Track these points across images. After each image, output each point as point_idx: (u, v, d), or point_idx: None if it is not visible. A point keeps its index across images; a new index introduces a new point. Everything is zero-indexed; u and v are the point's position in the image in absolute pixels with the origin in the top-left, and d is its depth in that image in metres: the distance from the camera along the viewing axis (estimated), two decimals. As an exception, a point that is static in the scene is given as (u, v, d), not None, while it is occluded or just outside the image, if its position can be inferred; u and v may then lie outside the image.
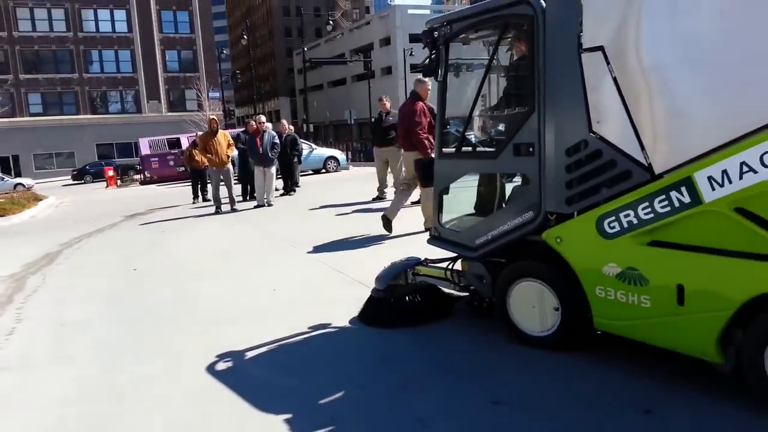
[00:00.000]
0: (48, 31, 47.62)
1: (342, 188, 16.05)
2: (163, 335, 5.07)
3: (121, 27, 49.92)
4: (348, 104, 48.68)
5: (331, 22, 52.43)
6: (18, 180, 38.75)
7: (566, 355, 3.80)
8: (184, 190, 17.97)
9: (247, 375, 4.07)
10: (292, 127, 15.32)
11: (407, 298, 4.73)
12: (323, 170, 23.24)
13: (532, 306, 3.88)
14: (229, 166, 12.87)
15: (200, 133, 16.84)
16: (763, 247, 2.75)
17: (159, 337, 5.04)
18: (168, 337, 5.02)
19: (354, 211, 11.11)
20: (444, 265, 4.71)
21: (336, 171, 23.40)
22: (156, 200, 17.83)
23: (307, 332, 4.80)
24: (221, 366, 4.26)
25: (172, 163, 27.38)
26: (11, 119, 44.97)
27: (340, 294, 5.68)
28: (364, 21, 63.77)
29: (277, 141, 13.13)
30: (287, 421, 3.35)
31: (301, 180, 15.53)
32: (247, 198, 14.60)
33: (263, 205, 12.79)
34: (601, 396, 3.31)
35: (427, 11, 59.29)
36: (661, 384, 3.35)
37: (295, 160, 14.85)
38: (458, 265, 4.64)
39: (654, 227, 3.15)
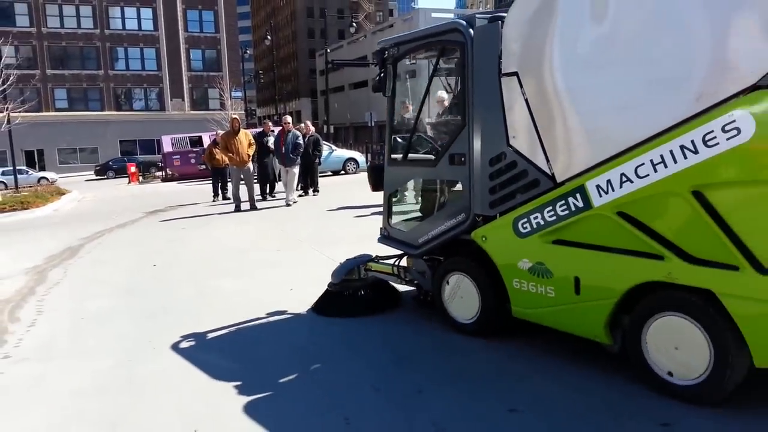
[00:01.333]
0: (75, 28, 48.31)
1: (361, 190, 16.03)
2: (181, 330, 5.10)
3: (147, 25, 50.49)
4: (369, 106, 48.73)
5: (354, 24, 52.53)
6: (42, 174, 39.41)
7: (576, 363, 3.78)
8: (205, 187, 18.11)
9: (261, 372, 4.08)
10: (313, 128, 15.35)
11: (360, 291, 5.27)
12: (342, 172, 23.29)
13: (461, 297, 4.43)
14: (250, 165, 12.97)
15: (221, 131, 16.97)
16: (639, 245, 3.25)
17: (177, 331, 5.08)
18: (185, 331, 5.05)
19: (373, 213, 11.12)
20: (391, 261, 5.25)
21: (355, 173, 23.46)
22: (177, 197, 17.98)
23: (323, 332, 4.82)
24: (237, 362, 4.28)
25: (193, 161, 27.62)
26: (37, 114, 45.62)
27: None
28: (387, 24, 63.81)
29: (300, 141, 13.21)
30: (302, 418, 3.37)
31: (321, 181, 15.52)
32: (266, 197, 14.68)
33: (289, 204, 12.88)
34: (621, 407, 3.28)
35: (451, 15, 59.22)
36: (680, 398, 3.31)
37: (317, 161, 14.89)
38: (404, 262, 5.16)
39: (556, 228, 3.64)
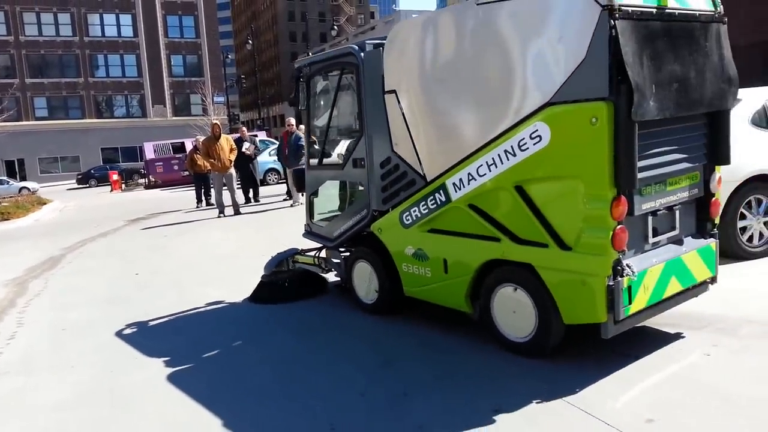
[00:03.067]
0: (54, 36, 47.84)
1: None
2: (163, 340, 5.06)
3: (127, 31, 50.11)
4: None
5: (335, 27, 52.55)
6: (23, 183, 38.85)
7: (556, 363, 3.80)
8: (188, 194, 18.00)
9: (245, 381, 4.05)
10: (296, 129, 15.14)
11: (286, 281, 5.90)
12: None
13: (365, 281, 5.12)
14: (232, 170, 12.87)
15: (202, 137, 16.85)
16: (484, 230, 3.95)
17: (159, 341, 5.03)
18: (168, 342, 5.01)
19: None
20: (313, 253, 5.94)
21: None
22: (160, 204, 17.84)
23: (310, 338, 4.79)
24: (221, 371, 4.24)
25: (176, 167, 27.40)
26: (17, 123, 45.11)
27: (339, 301, 5.66)
28: (368, 26, 63.81)
29: (302, 143, 13.00)
30: (288, 426, 3.34)
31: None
32: (251, 201, 14.59)
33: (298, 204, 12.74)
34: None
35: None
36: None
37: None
38: (323, 254, 5.82)
39: (429, 219, 4.33)
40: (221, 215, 12.71)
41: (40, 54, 47.55)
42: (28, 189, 37.26)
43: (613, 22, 3.14)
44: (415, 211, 4.43)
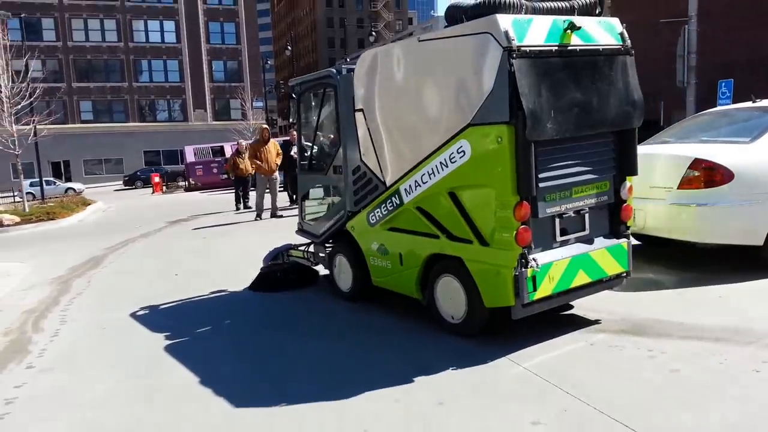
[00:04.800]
0: (100, 41, 49.27)
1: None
2: (202, 341, 5.11)
3: (170, 38, 51.29)
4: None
5: (373, 33, 52.77)
6: (69, 184, 40.01)
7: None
8: (227, 197, 18.24)
9: (280, 385, 4.05)
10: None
11: (278, 273, 6.66)
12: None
13: (343, 273, 5.86)
14: (277, 174, 13.02)
15: (243, 141, 17.08)
16: (427, 229, 4.64)
17: (197, 342, 5.08)
18: (206, 342, 5.06)
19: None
20: (303, 248, 6.68)
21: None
22: (199, 207, 18.13)
23: (339, 341, 4.77)
24: (256, 372, 4.25)
25: (215, 170, 27.86)
26: (63, 125, 46.50)
27: (375, 308, 5.64)
28: (407, 32, 63.98)
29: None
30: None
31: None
32: (294, 203, 14.69)
33: None
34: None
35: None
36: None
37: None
38: (312, 249, 6.54)
39: (389, 219, 5.04)
40: (258, 218, 12.83)
41: (86, 59, 49.00)
42: (74, 190, 38.38)
43: (511, 61, 3.78)
44: (378, 212, 5.14)
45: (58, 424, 3.74)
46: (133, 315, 6.10)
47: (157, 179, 32.57)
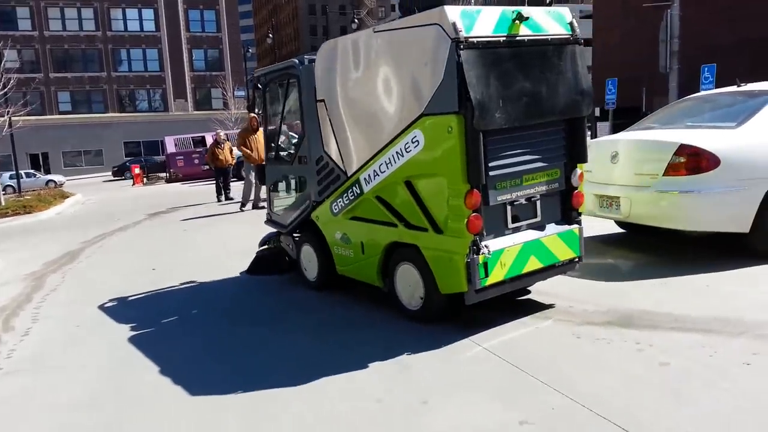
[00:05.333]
0: (78, 30, 48.31)
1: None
2: (176, 339, 4.94)
3: (149, 26, 50.44)
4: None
5: (356, 20, 52.22)
6: (49, 177, 39.35)
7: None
8: (209, 188, 17.98)
9: (259, 382, 3.90)
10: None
11: (272, 256, 6.77)
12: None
13: (309, 261, 5.93)
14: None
15: (220, 131, 16.82)
16: (386, 218, 4.70)
17: (172, 341, 4.92)
18: (181, 341, 4.89)
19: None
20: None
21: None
22: (180, 198, 17.85)
23: (326, 339, 4.63)
24: (236, 372, 4.10)
25: (197, 161, 27.44)
26: (41, 117, 45.68)
27: (345, 299, 5.50)
28: (389, 19, 63.45)
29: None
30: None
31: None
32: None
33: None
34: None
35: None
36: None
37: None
38: (282, 239, 6.59)
39: (350, 208, 5.09)
40: (242, 209, 12.64)
41: (63, 49, 48.05)
42: (55, 182, 37.84)
43: (459, 52, 3.84)
44: (340, 201, 5.19)
45: (22, 428, 3.58)
46: (107, 311, 5.92)
47: (137, 170, 32.05)
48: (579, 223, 4.68)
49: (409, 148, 4.32)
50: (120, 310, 5.97)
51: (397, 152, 4.44)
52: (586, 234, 6.75)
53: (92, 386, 4.08)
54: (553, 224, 4.58)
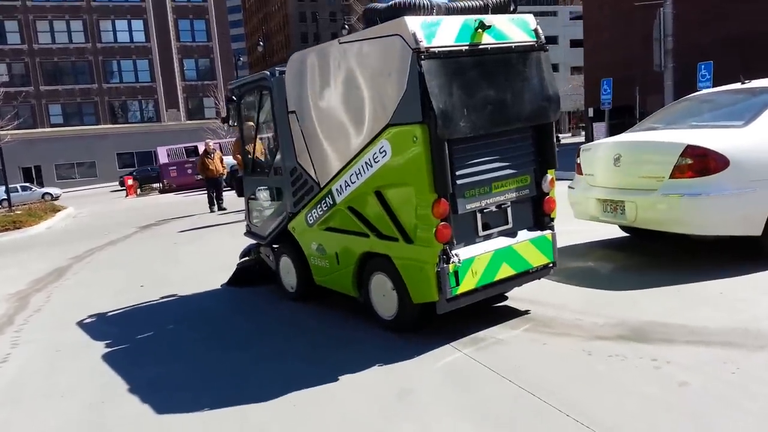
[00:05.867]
0: (67, 43, 48.00)
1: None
2: (162, 364, 4.67)
3: (139, 37, 50.16)
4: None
5: (346, 27, 52.01)
6: (45, 189, 38.99)
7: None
8: (202, 197, 17.71)
9: (250, 414, 3.63)
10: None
11: (255, 266, 6.77)
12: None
13: (287, 272, 5.92)
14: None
15: (209, 141, 16.62)
16: (358, 228, 4.67)
17: (157, 366, 4.64)
18: (167, 366, 4.62)
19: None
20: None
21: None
22: (173, 209, 17.59)
23: (320, 362, 4.37)
24: (223, 403, 3.83)
25: (190, 171, 27.17)
26: (32, 130, 45.36)
27: (326, 312, 5.24)
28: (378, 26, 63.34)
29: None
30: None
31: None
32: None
33: None
34: None
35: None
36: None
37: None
38: (261, 250, 6.57)
39: (324, 219, 5.07)
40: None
41: (53, 61, 47.73)
42: (51, 195, 37.62)
43: (420, 62, 3.82)
44: (314, 212, 5.16)
45: (-7, 471, 3.30)
46: (91, 333, 5.64)
47: (130, 182, 31.73)
48: (552, 228, 4.66)
49: (377, 159, 4.31)
50: (104, 331, 5.69)
51: (366, 162, 4.42)
52: (589, 239, 6.57)
53: (71, 419, 3.80)
54: (525, 230, 4.56)
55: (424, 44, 3.85)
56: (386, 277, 4.51)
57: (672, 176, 5.27)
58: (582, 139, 37.10)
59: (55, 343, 5.48)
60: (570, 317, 4.51)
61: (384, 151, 4.23)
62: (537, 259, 4.55)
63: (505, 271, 4.37)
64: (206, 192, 15.99)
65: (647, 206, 5.48)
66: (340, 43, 4.57)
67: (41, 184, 43.59)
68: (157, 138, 41.07)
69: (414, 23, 3.90)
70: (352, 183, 4.60)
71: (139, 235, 12.92)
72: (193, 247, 10.31)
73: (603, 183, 6.02)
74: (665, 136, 5.75)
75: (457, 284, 4.11)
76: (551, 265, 4.68)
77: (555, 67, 67.99)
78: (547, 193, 4.60)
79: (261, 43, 49.83)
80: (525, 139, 4.48)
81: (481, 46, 4.14)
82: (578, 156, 6.51)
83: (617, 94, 21.91)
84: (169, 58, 51.00)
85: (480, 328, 4.48)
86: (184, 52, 51.91)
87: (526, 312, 4.72)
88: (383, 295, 4.61)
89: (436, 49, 3.92)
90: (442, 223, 3.99)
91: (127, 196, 30.32)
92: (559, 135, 48.99)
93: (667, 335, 3.96)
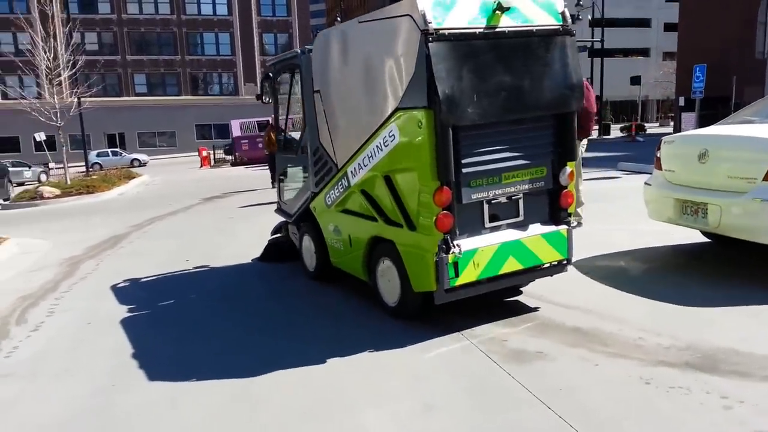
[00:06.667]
0: (154, 14, 49.44)
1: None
2: (186, 345, 4.45)
3: (222, 10, 51.03)
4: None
5: (338, 18, 51.16)
6: (134, 155, 40.94)
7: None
8: (268, 174, 17.74)
9: (268, 410, 3.32)
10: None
11: (279, 243, 6.93)
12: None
13: (309, 251, 5.89)
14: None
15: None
16: (369, 212, 4.58)
17: (181, 345, 4.43)
18: (189, 348, 4.39)
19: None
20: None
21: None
22: (240, 182, 17.72)
23: (352, 344, 4.01)
24: (239, 399, 3.53)
25: (260, 145, 27.30)
26: (118, 98, 47.20)
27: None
28: None
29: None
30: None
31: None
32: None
33: None
34: None
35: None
36: None
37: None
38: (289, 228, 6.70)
39: (341, 200, 5.00)
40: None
41: (140, 32, 49.31)
42: (139, 161, 39.78)
43: (428, 44, 3.66)
44: (333, 193, 5.10)
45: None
46: (124, 307, 5.53)
47: (204, 153, 32.38)
48: (568, 224, 4.42)
49: (387, 143, 4.21)
50: (137, 305, 5.56)
51: (377, 146, 4.33)
52: (663, 242, 5.90)
53: (76, 403, 3.61)
54: (538, 224, 4.34)
55: (433, 25, 3.68)
56: (392, 263, 4.43)
57: (766, 178, 4.55)
58: (670, 129, 34.96)
59: (88, 315, 5.39)
60: (631, 334, 3.94)
61: (393, 135, 4.13)
62: (548, 254, 4.33)
63: (512, 265, 4.19)
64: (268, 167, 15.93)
65: (734, 211, 4.78)
66: (359, 22, 4.45)
67: (124, 151, 45.38)
68: (235, 111, 41.73)
69: (425, 3, 3.72)
70: (365, 166, 4.52)
71: (201, 207, 12.99)
72: (248, 222, 10.20)
73: (684, 181, 5.33)
74: (762, 131, 4.99)
75: (457, 275, 3.98)
76: (565, 261, 4.45)
77: (646, 52, 64.72)
78: (566, 187, 4.35)
79: (338, 19, 49.58)
80: (543, 129, 4.24)
81: (498, 29, 3.92)
82: (659, 149, 5.80)
83: (711, 82, 20.28)
84: (250, 33, 51.70)
85: (527, 341, 3.98)
86: (264, 26, 52.48)
87: (577, 329, 4.18)
88: (389, 281, 4.53)
89: (447, 31, 3.74)
90: (444, 212, 3.87)
91: (201, 167, 31.01)
92: (645, 124, 46.52)
93: (742, 367, 3.35)
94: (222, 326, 4.88)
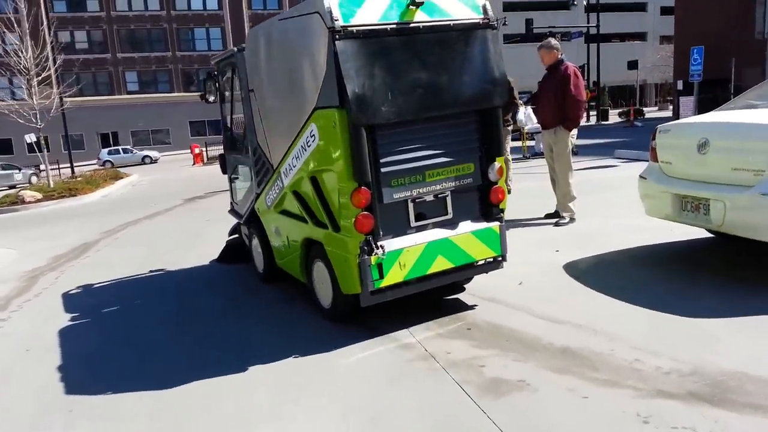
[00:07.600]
0: (143, 10, 48.77)
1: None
2: (130, 379, 3.94)
3: (212, 4, 50.34)
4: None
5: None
6: (145, 153, 41.72)
7: None
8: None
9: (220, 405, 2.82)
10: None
11: (235, 244, 6.83)
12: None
13: (258, 252, 5.83)
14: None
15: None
16: (300, 213, 4.54)
17: (125, 381, 3.91)
18: (134, 380, 3.88)
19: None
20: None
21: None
22: (225, 181, 17.19)
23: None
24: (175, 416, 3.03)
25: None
26: (110, 97, 46.65)
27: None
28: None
29: None
30: None
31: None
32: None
33: None
34: None
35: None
36: None
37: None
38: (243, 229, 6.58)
39: (278, 201, 4.93)
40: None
41: (130, 29, 48.64)
42: (150, 158, 40.94)
43: (335, 42, 3.56)
44: (271, 194, 5.02)
45: None
46: (69, 330, 5.04)
47: (197, 150, 31.86)
48: (500, 220, 4.33)
49: (309, 143, 4.12)
50: (84, 328, 5.08)
51: (301, 146, 4.24)
52: (661, 239, 5.42)
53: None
54: (468, 222, 4.25)
55: (340, 22, 3.59)
56: (324, 265, 4.31)
57: (776, 170, 4.03)
58: (669, 114, 34.32)
59: (31, 338, 4.90)
60: (626, 355, 3.42)
61: (313, 135, 4.03)
62: (481, 252, 4.25)
63: (441, 264, 4.09)
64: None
65: (739, 207, 4.25)
66: (279, 20, 4.37)
67: (135, 149, 44.88)
68: (228, 107, 41.18)
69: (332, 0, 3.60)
70: (294, 167, 4.42)
71: (180, 208, 12.52)
72: (224, 225, 9.65)
73: (683, 174, 4.81)
74: (769, 116, 4.46)
75: (381, 277, 3.89)
76: (500, 258, 4.35)
77: (643, 36, 63.93)
78: (495, 183, 4.26)
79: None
80: (467, 125, 4.15)
81: (412, 25, 3.80)
82: (653, 138, 5.26)
83: (710, 64, 19.68)
84: (241, 27, 50.94)
85: (506, 364, 3.48)
86: (255, 20, 51.65)
87: (565, 349, 3.67)
88: (322, 284, 4.46)
89: (356, 28, 3.63)
90: (363, 212, 3.78)
91: (194, 164, 30.48)
92: (643, 108, 45.89)
93: (756, 398, 2.83)
94: (165, 354, 4.38)
